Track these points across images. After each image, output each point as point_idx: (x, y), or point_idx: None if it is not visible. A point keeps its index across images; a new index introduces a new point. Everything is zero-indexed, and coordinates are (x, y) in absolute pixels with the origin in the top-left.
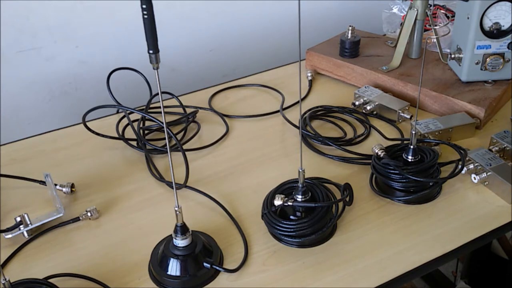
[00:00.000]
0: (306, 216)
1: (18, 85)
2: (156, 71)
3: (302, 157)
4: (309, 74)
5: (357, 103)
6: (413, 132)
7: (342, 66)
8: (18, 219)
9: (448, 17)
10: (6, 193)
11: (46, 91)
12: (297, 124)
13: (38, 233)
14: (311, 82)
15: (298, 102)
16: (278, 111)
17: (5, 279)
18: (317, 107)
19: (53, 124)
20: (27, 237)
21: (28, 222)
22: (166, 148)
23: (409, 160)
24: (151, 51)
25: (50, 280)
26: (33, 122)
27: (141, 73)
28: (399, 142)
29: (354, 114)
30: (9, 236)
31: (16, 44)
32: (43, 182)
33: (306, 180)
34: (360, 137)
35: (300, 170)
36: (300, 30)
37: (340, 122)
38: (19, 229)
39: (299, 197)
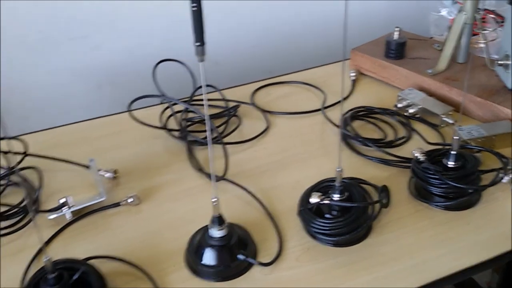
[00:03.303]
0: (342, 215)
1: (67, 72)
2: (201, 63)
3: (341, 157)
4: (353, 74)
5: (399, 105)
6: (456, 137)
7: (387, 67)
8: (62, 201)
9: (497, 22)
10: (51, 175)
11: (94, 79)
12: (338, 124)
13: (80, 215)
14: (354, 82)
15: (340, 101)
16: (319, 110)
17: (47, 257)
18: (358, 107)
19: (99, 112)
20: (69, 218)
21: (71, 204)
22: (207, 140)
23: (450, 165)
24: (197, 43)
25: (90, 261)
26: (80, 108)
27: (186, 65)
28: (440, 147)
29: (396, 116)
30: (52, 216)
31: (67, 32)
32: (87, 167)
33: (343, 180)
34: (400, 139)
35: (338, 170)
36: (346, 29)
37: (381, 123)
38: (62, 211)
39: (336, 196)
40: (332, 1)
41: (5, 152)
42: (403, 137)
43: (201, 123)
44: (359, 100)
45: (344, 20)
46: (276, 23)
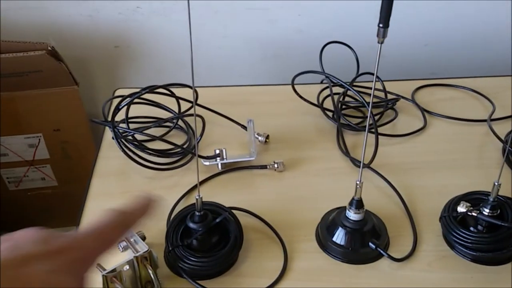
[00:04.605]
0: (489, 232)
1: (238, 39)
2: (379, 45)
3: (501, 173)
4: None
5: None
6: None
7: None
8: (217, 151)
9: None
10: (211, 127)
11: (261, 50)
12: (503, 138)
13: (229, 168)
14: None
15: (510, 116)
16: (485, 120)
17: (199, 196)
18: None
19: (259, 79)
20: (220, 169)
21: (224, 157)
22: (360, 127)
23: None
24: (381, 25)
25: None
26: (243, 75)
27: (353, 50)
28: None
29: None
30: (207, 163)
31: (249, 2)
32: (244, 127)
33: (499, 196)
34: None
35: (496, 184)
36: None
37: None
38: (216, 160)
39: (486, 211)
40: None
41: (178, 98)
42: None
43: (356, 109)
44: None
45: None
46: (453, 25)
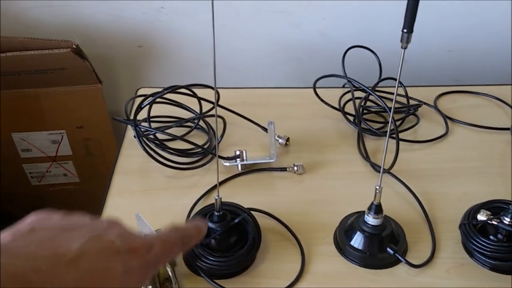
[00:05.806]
0: (508, 241)
1: (261, 41)
2: (403, 50)
3: None
4: None
5: None
6: None
7: None
8: (237, 152)
9: None
10: (232, 128)
11: (283, 54)
12: None
13: (248, 170)
14: None
15: None
16: (507, 129)
17: (219, 196)
18: None
19: (280, 82)
20: (240, 170)
21: (244, 158)
22: (381, 132)
23: None
24: (405, 30)
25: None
26: (265, 77)
27: (376, 55)
28: None
29: None
30: (227, 164)
31: (272, 5)
32: (264, 129)
33: None
34: None
35: None
36: None
37: None
38: (236, 161)
39: (507, 220)
40: None
41: (200, 98)
42: None
43: (377, 114)
44: None
45: None
46: (478, 31)
